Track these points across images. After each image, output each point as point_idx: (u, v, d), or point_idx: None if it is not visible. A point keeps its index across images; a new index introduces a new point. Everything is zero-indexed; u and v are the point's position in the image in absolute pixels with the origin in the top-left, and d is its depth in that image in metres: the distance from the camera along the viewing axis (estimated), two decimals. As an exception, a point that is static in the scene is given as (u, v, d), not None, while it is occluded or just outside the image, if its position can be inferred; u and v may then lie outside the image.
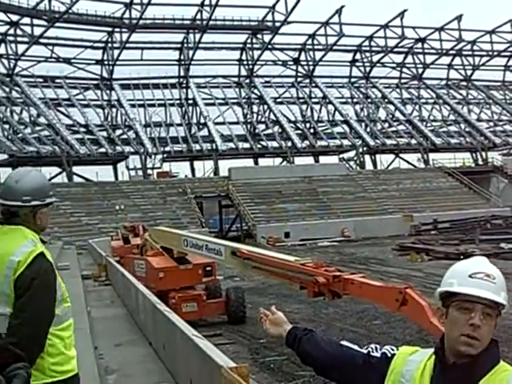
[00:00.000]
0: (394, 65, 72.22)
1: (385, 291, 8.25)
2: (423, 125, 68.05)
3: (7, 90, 57.63)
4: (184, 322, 7.82)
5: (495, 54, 72.89)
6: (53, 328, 3.17)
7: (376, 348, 2.37)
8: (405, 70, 73.20)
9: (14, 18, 56.63)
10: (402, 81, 73.03)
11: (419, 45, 71.18)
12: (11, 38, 58.14)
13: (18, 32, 57.95)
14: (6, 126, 55.34)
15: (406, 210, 48.92)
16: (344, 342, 2.49)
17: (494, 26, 70.94)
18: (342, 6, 64.26)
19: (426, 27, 69.32)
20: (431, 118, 70.99)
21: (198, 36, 62.95)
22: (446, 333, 2.14)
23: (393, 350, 2.33)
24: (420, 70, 72.88)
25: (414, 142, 65.07)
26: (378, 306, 11.98)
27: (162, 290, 14.76)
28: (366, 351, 2.38)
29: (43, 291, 3.09)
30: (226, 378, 4.23)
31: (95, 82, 62.33)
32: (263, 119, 66.05)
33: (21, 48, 58.19)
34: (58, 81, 60.46)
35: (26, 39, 58.02)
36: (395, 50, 70.44)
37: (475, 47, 72.75)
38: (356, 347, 2.44)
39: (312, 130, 65.15)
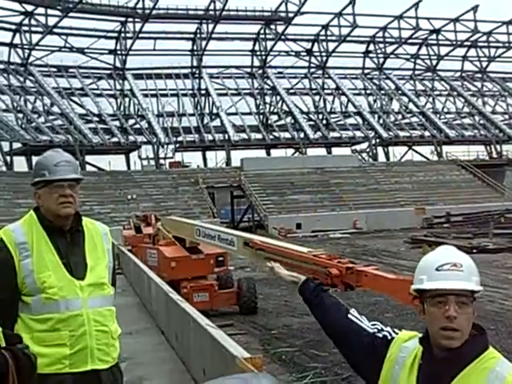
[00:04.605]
0: (408, 56, 71.71)
1: (398, 284, 8.21)
2: (437, 117, 67.59)
3: (21, 79, 57.91)
4: (197, 311, 7.83)
5: (511, 45, 72.17)
6: (22, 314, 3.08)
7: (381, 329, 2.39)
8: (419, 61, 72.71)
9: (29, 8, 56.80)
10: (416, 72, 72.54)
11: (434, 36, 70.66)
12: (26, 28, 58.30)
13: (33, 22, 58.10)
14: (20, 115, 55.63)
15: (418, 203, 48.71)
16: (351, 315, 2.48)
17: (510, 17, 70.17)
18: (356, -3, 63.87)
19: (441, 18, 68.78)
20: (445, 110, 70.51)
21: (210, 26, 62.81)
22: (428, 328, 2.15)
23: (394, 332, 2.36)
24: (434, 62, 72.37)
25: (427, 134, 64.74)
26: (390, 298, 11.94)
27: (173, 279, 14.76)
28: (372, 331, 2.39)
29: None
30: (240, 368, 4.22)
31: (108, 72, 62.43)
32: (276, 110, 65.88)
33: (35, 38, 58.46)
34: (71, 70, 60.62)
35: (40, 29, 58.19)
36: (409, 41, 69.94)
37: (491, 38, 72.06)
38: (364, 323, 2.44)
39: (325, 122, 64.94)
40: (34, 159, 49.05)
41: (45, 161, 3.23)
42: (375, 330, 2.38)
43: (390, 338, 2.34)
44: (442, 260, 2.16)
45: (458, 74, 73.86)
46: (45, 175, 3.18)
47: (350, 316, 2.47)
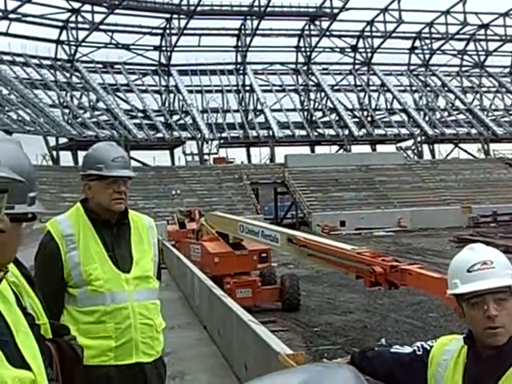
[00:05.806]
0: (455, 52, 70.49)
1: (443, 283, 8.03)
2: (484, 114, 66.33)
3: (68, 75, 58.95)
4: (240, 307, 7.82)
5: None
6: (68, 305, 3.10)
7: (422, 345, 2.36)
8: (466, 57, 71.42)
9: (76, 5, 57.86)
10: (463, 69, 71.25)
11: (482, 31, 69.24)
12: (72, 25, 59.38)
13: (79, 19, 59.17)
14: (66, 111, 56.69)
15: (464, 202, 47.89)
16: (394, 348, 2.45)
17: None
18: (402, -8, 63.05)
19: (490, 13, 67.19)
20: (493, 107, 69.15)
21: (255, 23, 62.88)
22: (471, 329, 2.13)
23: (432, 342, 2.33)
24: (482, 58, 70.94)
25: (474, 131, 63.54)
26: (434, 298, 11.75)
27: (216, 274, 14.81)
28: (412, 349, 2.36)
29: (36, 261, 3.17)
30: (282, 364, 4.19)
31: (153, 68, 63.06)
32: (320, 107, 65.64)
33: (81, 34, 59.51)
34: (116, 66, 61.47)
35: (86, 26, 59.18)
36: (456, 36, 68.72)
37: (542, 34, 70.31)
38: (406, 349, 2.40)
39: (369, 119, 64.40)
40: (80, 154, 49.75)
41: (101, 154, 3.19)
42: (415, 348, 2.35)
43: (429, 348, 2.31)
44: (472, 260, 2.10)
45: (507, 70, 72.29)
46: (101, 169, 3.14)
47: (392, 350, 2.44)
